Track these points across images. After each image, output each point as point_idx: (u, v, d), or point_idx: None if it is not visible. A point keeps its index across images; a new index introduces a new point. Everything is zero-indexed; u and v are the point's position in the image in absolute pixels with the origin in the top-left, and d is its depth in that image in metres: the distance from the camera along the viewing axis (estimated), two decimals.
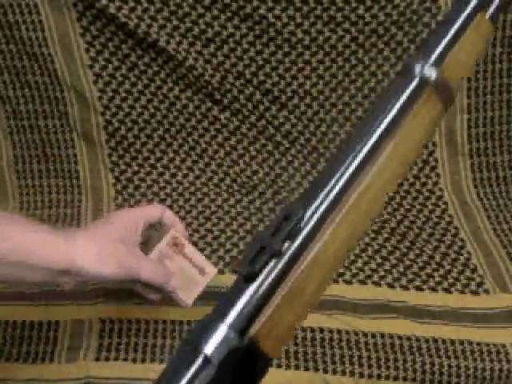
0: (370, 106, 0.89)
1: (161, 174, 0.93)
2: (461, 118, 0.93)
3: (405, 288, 0.81)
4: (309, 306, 0.35)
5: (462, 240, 0.88)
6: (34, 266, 0.56)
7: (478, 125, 0.93)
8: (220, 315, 0.33)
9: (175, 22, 0.84)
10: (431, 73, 0.38)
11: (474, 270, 0.83)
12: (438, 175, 0.95)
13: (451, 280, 0.82)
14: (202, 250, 0.84)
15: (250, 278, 0.34)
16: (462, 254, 0.86)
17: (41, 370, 0.71)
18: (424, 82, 0.38)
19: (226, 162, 0.94)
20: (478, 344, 0.74)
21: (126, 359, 0.72)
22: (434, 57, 0.38)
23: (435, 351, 0.73)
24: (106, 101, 0.89)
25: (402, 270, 0.83)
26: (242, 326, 0.33)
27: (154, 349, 0.73)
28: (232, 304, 0.33)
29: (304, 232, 0.34)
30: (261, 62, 0.87)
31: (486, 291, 0.81)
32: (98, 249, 0.60)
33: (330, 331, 0.75)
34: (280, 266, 0.34)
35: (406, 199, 0.93)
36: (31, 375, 0.70)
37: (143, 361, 0.72)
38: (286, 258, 0.34)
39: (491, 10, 0.40)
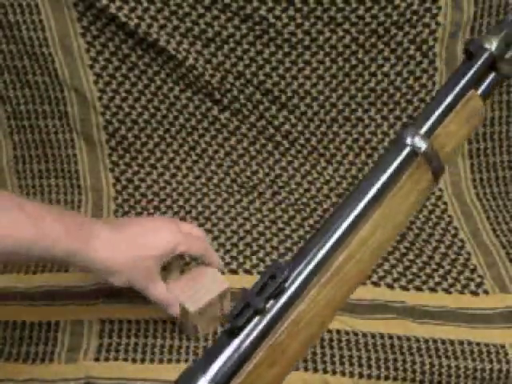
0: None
1: (161, 174, 0.93)
2: None
3: (404, 288, 0.81)
4: (293, 362, 0.36)
5: (461, 240, 0.88)
6: (54, 255, 0.58)
7: None
8: (201, 368, 0.34)
9: (175, 22, 0.84)
10: (421, 144, 0.39)
11: (473, 271, 0.83)
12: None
13: (451, 280, 0.82)
14: None
15: (232, 333, 0.35)
16: (461, 255, 0.86)
17: (40, 370, 0.71)
18: (414, 152, 0.39)
19: (226, 162, 0.94)
20: (478, 344, 0.74)
21: (125, 359, 0.72)
22: (424, 128, 0.40)
23: (434, 351, 0.73)
24: (107, 101, 0.89)
25: (401, 270, 0.83)
26: (223, 381, 0.34)
27: (154, 349, 0.73)
28: (214, 358, 0.34)
29: (288, 292, 0.36)
30: (261, 62, 0.87)
31: (486, 292, 0.81)
32: (116, 259, 0.62)
33: (330, 331, 0.75)
34: (263, 323, 0.35)
35: None
36: (31, 375, 0.70)
37: (143, 361, 0.72)
38: (269, 315, 0.35)
39: (483, 87, 0.43)
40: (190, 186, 0.93)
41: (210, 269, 0.73)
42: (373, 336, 0.74)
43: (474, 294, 0.80)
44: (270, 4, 0.82)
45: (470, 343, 0.74)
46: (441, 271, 0.83)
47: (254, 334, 0.35)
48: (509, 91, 0.92)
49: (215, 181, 0.94)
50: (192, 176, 0.94)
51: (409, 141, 0.40)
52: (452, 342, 0.74)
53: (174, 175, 0.93)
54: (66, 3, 0.82)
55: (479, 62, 0.43)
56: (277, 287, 0.35)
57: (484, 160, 0.95)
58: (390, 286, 0.81)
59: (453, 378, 0.72)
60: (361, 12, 0.84)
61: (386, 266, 0.83)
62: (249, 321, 0.35)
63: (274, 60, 0.87)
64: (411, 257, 0.85)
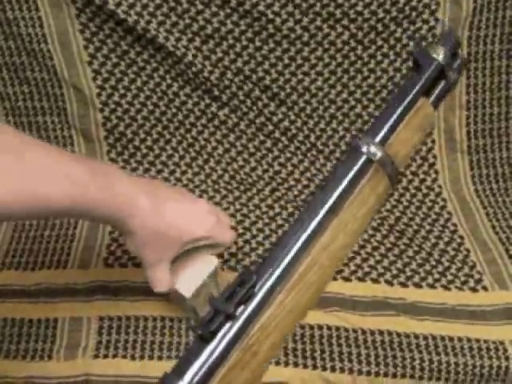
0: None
1: (159, 171, 0.93)
2: (460, 114, 0.93)
3: (403, 285, 0.81)
4: (264, 363, 0.39)
5: (460, 237, 0.88)
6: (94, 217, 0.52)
7: (476, 122, 0.93)
8: (178, 374, 0.35)
9: (174, 19, 0.84)
10: (376, 151, 0.41)
11: (472, 267, 0.83)
12: (436, 172, 0.95)
13: (450, 277, 0.82)
14: None
15: (205, 339, 0.36)
16: (460, 251, 0.86)
17: (39, 367, 0.71)
18: (370, 160, 0.42)
19: (225, 158, 0.94)
20: (477, 341, 0.74)
21: (124, 356, 0.72)
22: (378, 137, 0.43)
23: (434, 348, 0.73)
24: (105, 97, 0.88)
25: (400, 266, 0.83)
26: None
27: (153, 346, 0.73)
28: (189, 363, 0.36)
29: (257, 298, 0.38)
30: (260, 59, 0.87)
31: (485, 288, 0.81)
32: (145, 229, 0.56)
33: (329, 328, 0.75)
34: (234, 328, 0.37)
35: (405, 196, 0.93)
36: (30, 372, 0.70)
37: (142, 358, 0.72)
38: (239, 320, 0.37)
39: (433, 95, 0.46)
40: (189, 182, 0.93)
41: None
42: (372, 333, 0.74)
43: (474, 290, 0.80)
44: (269, 0, 0.82)
45: (469, 340, 0.74)
46: (440, 268, 0.83)
47: (226, 338, 0.37)
48: (508, 87, 0.91)
49: (214, 177, 0.93)
50: (191, 173, 0.93)
51: (364, 149, 0.42)
52: (451, 339, 0.74)
53: (172, 172, 0.93)
54: (65, 0, 0.82)
55: (427, 73, 0.46)
56: (245, 293, 0.37)
57: (483, 156, 0.95)
58: (389, 283, 0.81)
59: (452, 374, 0.72)
60: (360, 8, 0.84)
61: (385, 263, 0.83)
62: (220, 326, 0.36)
63: (272, 56, 0.87)
64: (410, 253, 0.85)
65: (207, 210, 0.64)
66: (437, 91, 0.47)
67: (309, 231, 0.40)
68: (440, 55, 0.46)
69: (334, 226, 0.40)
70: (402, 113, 0.44)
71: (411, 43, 0.88)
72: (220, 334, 0.37)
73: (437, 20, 0.86)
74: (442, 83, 0.47)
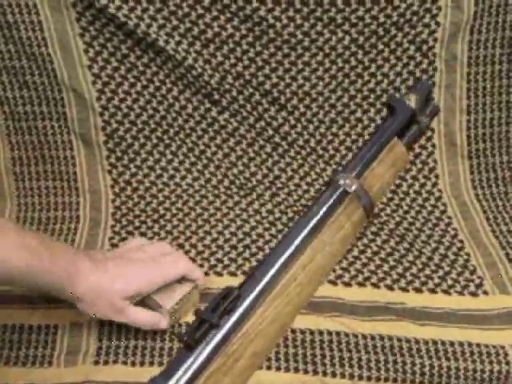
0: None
1: (159, 176, 0.93)
2: (460, 119, 0.93)
3: (404, 290, 0.80)
4: (246, 370, 0.41)
5: (460, 241, 0.88)
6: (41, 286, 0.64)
7: (477, 126, 0.93)
8: (165, 377, 0.38)
9: (175, 22, 0.84)
10: (352, 184, 0.47)
11: (473, 272, 0.83)
12: (436, 176, 0.95)
13: (450, 281, 0.82)
14: (200, 253, 0.85)
15: (190, 347, 0.39)
16: (460, 256, 0.86)
17: (40, 373, 0.71)
18: (346, 191, 0.47)
19: (225, 163, 0.94)
20: (477, 345, 0.74)
21: (125, 362, 0.72)
22: (355, 172, 0.48)
23: (434, 353, 0.73)
24: (105, 102, 0.88)
25: (400, 271, 0.83)
26: None
27: (153, 352, 0.72)
28: (174, 370, 0.39)
29: (240, 309, 0.41)
30: (260, 63, 0.87)
31: (485, 293, 0.81)
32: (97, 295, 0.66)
33: (329, 333, 0.75)
34: (218, 336, 0.40)
35: (405, 200, 0.93)
36: (30, 379, 0.70)
37: (142, 364, 0.71)
38: (223, 330, 0.40)
39: (406, 137, 0.52)
40: (189, 187, 0.93)
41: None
42: (372, 338, 0.74)
43: (474, 295, 0.80)
44: (270, 5, 0.82)
45: (469, 344, 0.74)
46: (440, 272, 0.83)
47: (210, 345, 0.39)
48: (509, 92, 0.92)
49: (214, 182, 0.93)
50: (190, 177, 0.93)
51: (341, 182, 0.47)
52: (452, 344, 0.74)
53: (172, 177, 0.93)
54: (65, 3, 0.81)
55: (400, 116, 0.51)
56: (228, 304, 0.40)
57: (483, 161, 0.95)
58: (390, 288, 0.81)
59: (452, 379, 0.72)
60: (360, 13, 0.84)
61: (386, 268, 0.83)
62: (205, 334, 0.39)
63: (273, 61, 0.87)
64: (410, 258, 0.84)
65: (152, 256, 0.72)
66: (409, 133, 0.53)
67: (290, 250, 0.44)
68: (412, 101, 0.52)
69: (312, 247, 0.45)
70: (376, 151, 0.50)
71: (412, 47, 0.88)
72: (204, 342, 0.39)
73: (438, 24, 0.86)
74: (415, 127, 0.53)
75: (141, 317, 0.70)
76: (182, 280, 0.73)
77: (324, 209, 0.46)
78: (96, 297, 0.66)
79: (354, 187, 0.47)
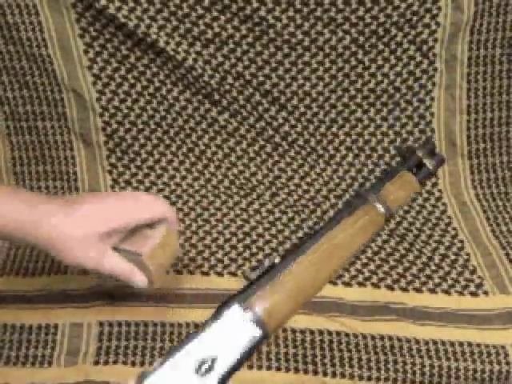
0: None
1: (159, 176, 0.93)
2: (460, 119, 0.93)
3: (404, 290, 0.81)
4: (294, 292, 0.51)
5: (461, 241, 0.88)
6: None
7: (477, 126, 0.93)
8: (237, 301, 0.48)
9: (175, 23, 0.84)
10: (371, 195, 0.61)
11: (473, 272, 0.83)
12: (436, 176, 0.95)
13: (450, 281, 0.82)
14: (200, 252, 0.85)
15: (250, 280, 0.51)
16: (460, 256, 0.86)
17: (40, 373, 0.71)
18: (365, 198, 0.61)
19: (225, 163, 0.94)
20: (478, 345, 0.74)
21: (125, 362, 0.72)
22: (374, 189, 0.62)
23: (434, 353, 0.73)
24: (105, 102, 0.88)
25: (401, 271, 0.83)
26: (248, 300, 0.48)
27: (153, 352, 0.73)
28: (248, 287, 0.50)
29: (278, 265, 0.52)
30: (260, 63, 0.87)
31: (486, 293, 0.81)
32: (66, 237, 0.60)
33: (329, 333, 0.75)
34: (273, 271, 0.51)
35: None
36: (30, 379, 0.70)
37: (142, 364, 0.72)
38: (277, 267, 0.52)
39: (419, 175, 0.67)
40: (189, 187, 0.93)
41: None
42: (373, 338, 0.74)
43: (474, 295, 0.80)
44: (270, 5, 0.82)
45: (470, 344, 0.74)
46: (440, 272, 0.83)
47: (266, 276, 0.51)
48: (509, 92, 0.91)
49: (214, 182, 0.93)
50: (190, 178, 0.93)
51: (364, 194, 0.61)
52: (452, 344, 0.74)
53: (172, 177, 0.93)
54: (65, 4, 0.81)
55: (410, 162, 0.68)
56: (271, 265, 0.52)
57: (483, 161, 0.95)
58: (390, 288, 0.81)
59: (452, 379, 0.72)
60: (361, 13, 0.84)
61: (386, 268, 0.83)
62: (264, 273, 0.51)
63: (273, 61, 0.87)
64: (411, 258, 0.85)
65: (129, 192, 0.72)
66: (419, 172, 0.68)
67: (323, 230, 0.56)
68: (419, 152, 0.69)
69: (339, 227, 0.57)
70: (389, 177, 0.65)
71: (412, 47, 0.88)
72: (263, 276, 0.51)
73: (438, 25, 0.86)
74: (424, 169, 0.69)
75: (118, 264, 0.64)
76: (154, 225, 0.66)
77: (350, 209, 0.59)
78: (68, 239, 0.60)
79: (371, 197, 0.61)
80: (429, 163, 0.69)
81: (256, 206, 0.92)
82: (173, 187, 0.93)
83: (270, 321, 0.48)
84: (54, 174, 0.93)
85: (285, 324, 0.52)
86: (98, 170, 0.92)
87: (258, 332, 0.47)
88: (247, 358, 0.46)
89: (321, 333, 0.75)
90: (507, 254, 0.86)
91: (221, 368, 0.44)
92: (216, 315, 0.46)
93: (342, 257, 0.57)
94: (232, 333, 0.46)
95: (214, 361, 0.44)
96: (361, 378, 0.71)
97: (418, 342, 0.74)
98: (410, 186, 0.66)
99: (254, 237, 0.87)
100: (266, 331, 0.47)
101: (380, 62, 0.89)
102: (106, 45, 0.85)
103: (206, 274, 0.82)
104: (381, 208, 0.61)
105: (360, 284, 0.81)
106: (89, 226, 0.61)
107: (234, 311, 0.47)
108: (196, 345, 0.44)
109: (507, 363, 0.72)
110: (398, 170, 0.67)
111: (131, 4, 0.81)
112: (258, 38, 0.85)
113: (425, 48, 0.88)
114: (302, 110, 0.91)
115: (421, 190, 0.78)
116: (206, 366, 0.43)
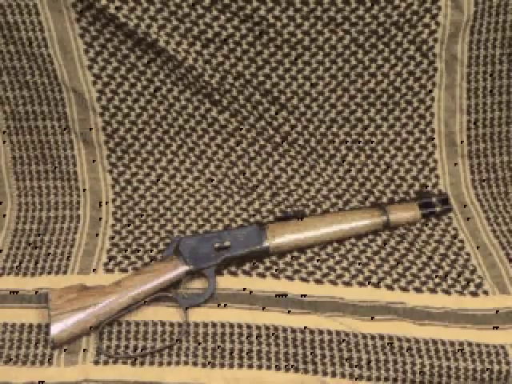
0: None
1: (159, 176, 0.93)
2: (460, 119, 0.93)
3: (404, 289, 0.81)
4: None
5: (461, 241, 0.88)
6: None
7: (477, 126, 0.93)
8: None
9: (175, 23, 0.84)
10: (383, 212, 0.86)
11: (473, 271, 0.83)
12: (437, 176, 0.95)
13: (450, 281, 0.82)
14: None
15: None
16: (461, 256, 0.86)
17: (40, 372, 0.71)
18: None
19: (225, 163, 0.94)
20: (478, 345, 0.74)
21: (125, 362, 0.72)
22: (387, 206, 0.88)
23: (434, 353, 0.73)
24: (105, 102, 0.88)
25: (401, 271, 0.83)
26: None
27: (153, 352, 0.73)
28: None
29: None
30: (260, 63, 0.87)
31: (486, 292, 0.81)
32: None
33: (329, 333, 0.75)
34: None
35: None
36: (30, 378, 0.70)
37: (142, 364, 0.72)
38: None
39: (425, 210, 0.91)
40: (189, 187, 0.93)
41: None
42: (372, 337, 0.74)
43: (474, 294, 0.80)
44: (270, 4, 0.82)
45: (469, 344, 0.74)
46: (440, 272, 0.83)
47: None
48: (509, 92, 0.91)
49: (214, 182, 0.93)
50: (191, 177, 0.93)
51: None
52: (452, 343, 0.74)
53: (172, 176, 0.93)
54: (65, 4, 0.81)
55: (423, 200, 0.91)
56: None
57: (484, 161, 0.95)
58: (390, 288, 0.81)
59: (452, 378, 0.72)
60: (360, 12, 0.84)
61: (386, 268, 0.83)
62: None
63: (273, 60, 0.87)
64: (411, 258, 0.85)
65: None
66: (427, 209, 0.90)
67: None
68: (433, 198, 0.91)
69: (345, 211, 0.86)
70: (398, 202, 0.91)
71: (412, 47, 0.88)
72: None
73: (438, 24, 0.86)
74: (430, 208, 0.90)
75: None
76: None
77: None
78: None
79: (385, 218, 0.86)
80: (437, 207, 0.90)
81: (256, 205, 0.92)
82: (173, 186, 0.93)
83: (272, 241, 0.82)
84: (55, 173, 0.93)
85: (283, 248, 0.82)
86: (98, 169, 0.92)
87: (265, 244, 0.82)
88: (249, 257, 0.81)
89: (321, 332, 0.75)
90: (507, 254, 0.86)
91: (230, 253, 0.80)
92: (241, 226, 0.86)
93: (339, 227, 0.84)
94: (246, 239, 0.81)
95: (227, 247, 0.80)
96: (360, 377, 0.71)
97: (417, 341, 0.74)
98: (412, 212, 0.88)
99: None
100: (268, 246, 0.82)
101: (380, 62, 0.89)
102: (106, 44, 0.85)
103: None
104: (383, 216, 0.86)
105: (360, 284, 0.81)
106: None
107: (253, 228, 0.83)
108: (217, 235, 0.81)
109: (507, 363, 0.73)
110: (410, 201, 0.90)
111: (131, 4, 0.81)
112: (258, 37, 0.85)
113: (425, 48, 0.88)
114: (302, 109, 0.91)
115: (420, 220, 0.89)
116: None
